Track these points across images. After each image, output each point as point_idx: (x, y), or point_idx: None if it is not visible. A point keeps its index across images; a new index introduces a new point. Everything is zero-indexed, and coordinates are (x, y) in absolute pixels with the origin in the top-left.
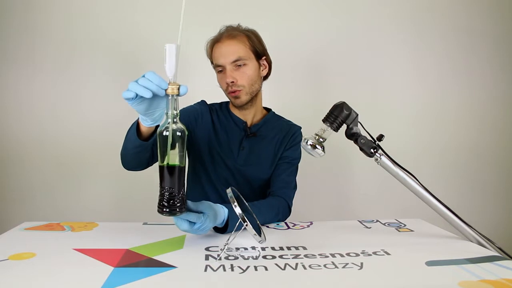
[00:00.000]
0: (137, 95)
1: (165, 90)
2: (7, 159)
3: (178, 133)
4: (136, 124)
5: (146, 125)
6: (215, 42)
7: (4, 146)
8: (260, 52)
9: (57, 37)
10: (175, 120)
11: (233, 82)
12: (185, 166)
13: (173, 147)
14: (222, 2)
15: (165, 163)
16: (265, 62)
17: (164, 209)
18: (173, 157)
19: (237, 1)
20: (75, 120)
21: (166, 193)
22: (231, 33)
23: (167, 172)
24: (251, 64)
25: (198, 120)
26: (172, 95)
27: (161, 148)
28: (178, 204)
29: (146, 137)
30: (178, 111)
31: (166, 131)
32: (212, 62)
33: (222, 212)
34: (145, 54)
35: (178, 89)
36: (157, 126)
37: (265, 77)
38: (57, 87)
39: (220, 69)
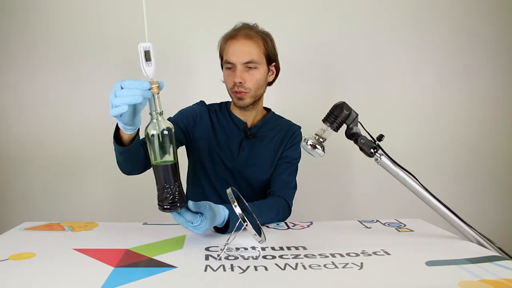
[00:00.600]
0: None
1: (150, 89)
2: (7, 159)
3: (165, 132)
4: (116, 132)
5: (128, 133)
6: (230, 38)
7: (4, 146)
8: (271, 58)
9: (57, 37)
10: (159, 118)
11: (241, 83)
12: (177, 161)
13: (162, 145)
14: (222, 4)
15: (157, 161)
16: (273, 68)
17: (165, 206)
18: (165, 154)
19: (237, 2)
20: (75, 120)
21: (163, 190)
22: (248, 33)
23: (161, 170)
24: (261, 68)
25: (196, 121)
26: (154, 94)
27: (151, 148)
28: (177, 199)
29: (129, 141)
30: (162, 110)
31: (154, 130)
32: (221, 57)
33: (222, 212)
34: None
35: (158, 86)
36: (139, 130)
37: (270, 83)
38: (57, 87)
39: (229, 66)
